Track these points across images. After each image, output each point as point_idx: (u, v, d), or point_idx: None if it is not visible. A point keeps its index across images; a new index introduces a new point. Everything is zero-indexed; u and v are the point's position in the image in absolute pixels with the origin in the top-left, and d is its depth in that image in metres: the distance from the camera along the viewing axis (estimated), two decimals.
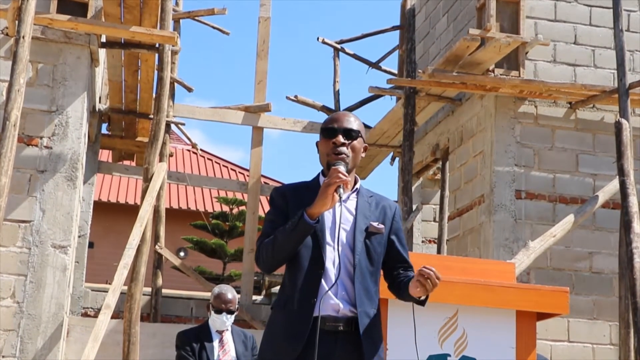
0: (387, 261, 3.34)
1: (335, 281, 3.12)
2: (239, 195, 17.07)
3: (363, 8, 47.13)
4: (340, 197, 3.07)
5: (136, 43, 7.75)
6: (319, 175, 3.34)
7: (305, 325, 3.10)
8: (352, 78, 40.13)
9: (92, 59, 7.48)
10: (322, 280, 3.14)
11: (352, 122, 3.28)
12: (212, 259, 17.36)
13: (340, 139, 3.22)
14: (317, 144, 3.34)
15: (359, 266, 3.18)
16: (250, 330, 6.95)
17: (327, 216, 3.18)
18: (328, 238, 3.18)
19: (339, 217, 3.19)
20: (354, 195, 3.30)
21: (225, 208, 18.00)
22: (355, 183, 3.33)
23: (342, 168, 3.11)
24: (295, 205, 3.21)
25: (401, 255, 3.36)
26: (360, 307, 3.16)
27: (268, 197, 3.39)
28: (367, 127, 10.69)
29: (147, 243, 7.35)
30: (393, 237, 3.34)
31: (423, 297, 3.21)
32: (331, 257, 3.17)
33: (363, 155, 3.32)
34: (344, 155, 3.21)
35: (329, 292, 3.13)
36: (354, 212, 3.23)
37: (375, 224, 3.25)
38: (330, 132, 3.25)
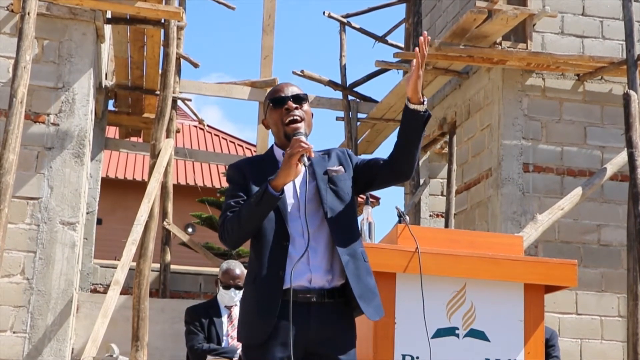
0: (375, 173, 3.26)
1: (305, 250, 3.05)
2: None
3: None
4: (305, 165, 3.03)
5: (141, 19, 7.73)
6: (272, 147, 3.31)
7: (275, 299, 3.03)
8: (358, 52, 40.03)
9: (97, 35, 7.47)
10: (290, 251, 3.08)
11: (297, 88, 3.27)
12: None
13: (292, 104, 3.20)
14: (263, 121, 3.33)
15: (331, 213, 3.13)
16: None
17: (286, 186, 3.10)
18: (290, 207, 3.13)
19: (299, 181, 3.15)
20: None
21: None
22: None
23: (302, 137, 3.07)
24: (254, 178, 3.17)
25: (375, 158, 3.30)
26: (347, 267, 3.08)
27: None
28: (374, 101, 10.66)
29: (155, 219, 7.37)
30: (358, 163, 3.29)
31: (420, 100, 3.10)
32: (297, 227, 3.11)
33: (312, 120, 3.28)
34: (299, 119, 3.19)
35: (300, 262, 3.05)
36: (311, 169, 3.17)
37: (332, 167, 3.21)
38: (280, 100, 3.22)
